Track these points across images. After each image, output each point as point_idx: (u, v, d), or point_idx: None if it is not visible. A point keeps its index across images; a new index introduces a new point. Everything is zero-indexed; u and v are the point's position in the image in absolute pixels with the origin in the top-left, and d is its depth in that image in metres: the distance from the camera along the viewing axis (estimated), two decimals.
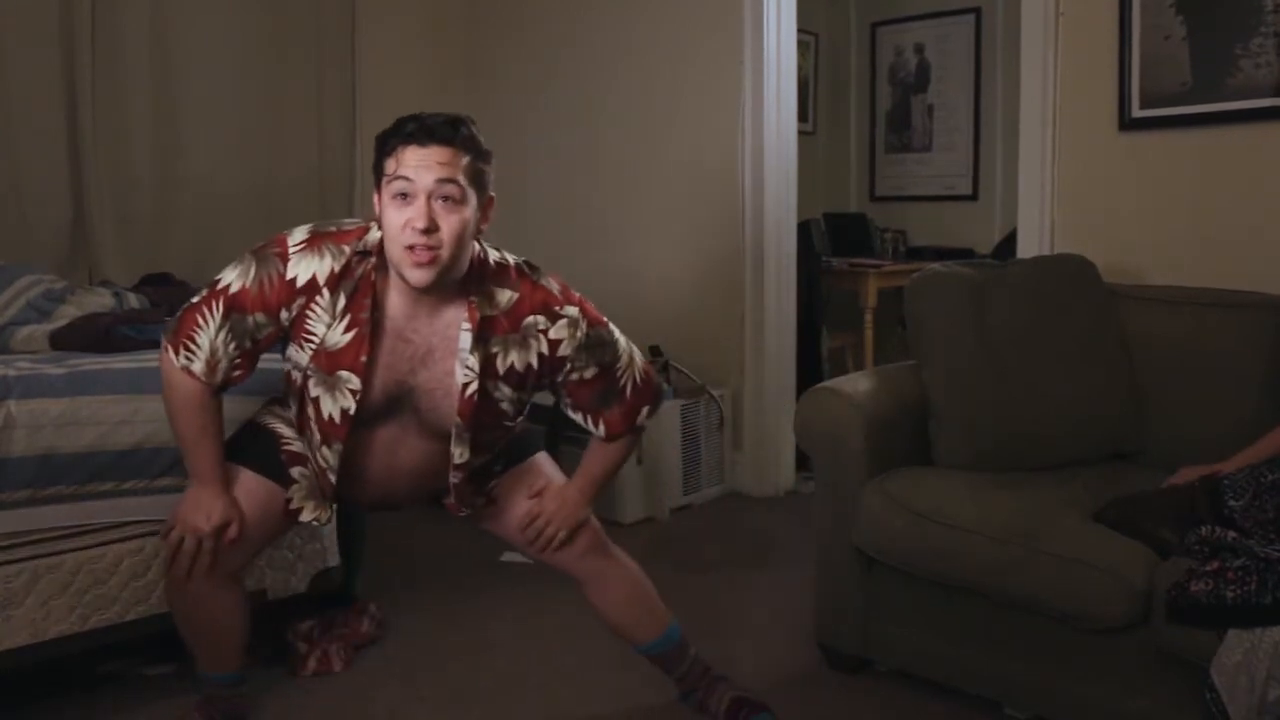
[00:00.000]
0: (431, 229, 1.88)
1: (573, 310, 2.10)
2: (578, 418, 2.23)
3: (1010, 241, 3.85)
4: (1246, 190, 2.87)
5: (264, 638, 2.59)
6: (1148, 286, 2.83)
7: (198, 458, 2.09)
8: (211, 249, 4.20)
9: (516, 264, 2.10)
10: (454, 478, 2.15)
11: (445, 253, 1.90)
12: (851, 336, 5.29)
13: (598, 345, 2.13)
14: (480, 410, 2.08)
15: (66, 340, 2.63)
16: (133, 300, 3.03)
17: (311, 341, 2.02)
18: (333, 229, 2.03)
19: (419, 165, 1.88)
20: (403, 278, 1.94)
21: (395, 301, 2.02)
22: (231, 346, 2.02)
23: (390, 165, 1.91)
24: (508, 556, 3.43)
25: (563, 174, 4.70)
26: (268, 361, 2.17)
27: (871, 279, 5.00)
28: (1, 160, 3.74)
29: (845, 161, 6.35)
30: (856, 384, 2.63)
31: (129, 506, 2.43)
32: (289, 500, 2.17)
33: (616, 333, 2.19)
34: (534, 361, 2.08)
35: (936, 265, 2.76)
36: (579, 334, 2.10)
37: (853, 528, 2.47)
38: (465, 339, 2.02)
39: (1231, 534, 1.99)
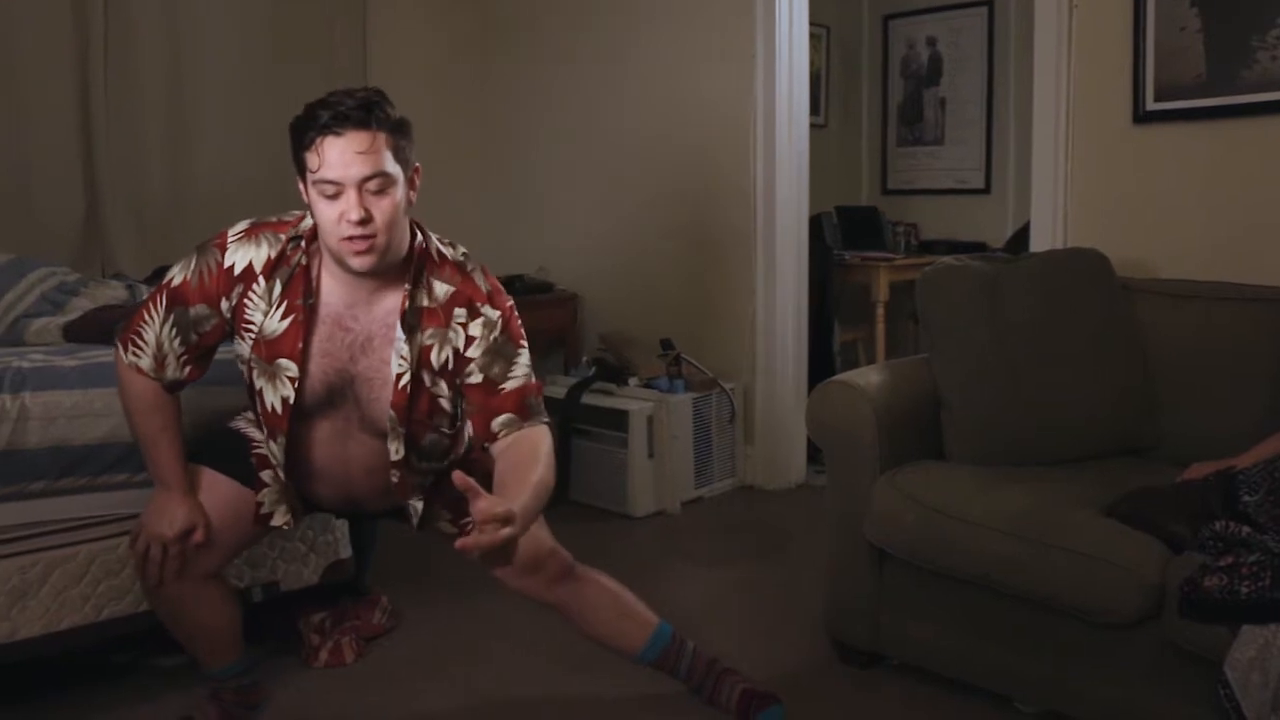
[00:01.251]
0: (366, 219, 1.87)
1: (493, 313, 2.05)
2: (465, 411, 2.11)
3: (1023, 235, 3.84)
4: (1262, 184, 2.86)
5: (276, 629, 2.60)
6: (1161, 280, 2.81)
7: (158, 460, 2.09)
8: None
9: (455, 259, 2.07)
10: (393, 476, 2.12)
11: (382, 238, 1.90)
12: (863, 330, 5.28)
13: (499, 354, 2.04)
14: (416, 405, 2.05)
15: (80, 332, 2.64)
16: (145, 293, 3.03)
17: (251, 330, 2.03)
18: (273, 219, 2.05)
19: (340, 160, 1.86)
20: (344, 266, 1.94)
21: (333, 288, 2.02)
22: (177, 341, 2.03)
23: (312, 160, 1.88)
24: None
25: (572, 166, 4.70)
26: (225, 353, 2.18)
27: (883, 273, 4.99)
28: (15, 154, 3.75)
29: (857, 155, 6.33)
30: (868, 378, 2.62)
31: (142, 498, 2.42)
32: (260, 504, 2.17)
33: (524, 359, 2.07)
34: (452, 356, 2.05)
35: (949, 259, 2.75)
36: (492, 336, 2.04)
37: (864, 521, 2.47)
38: (400, 327, 2.01)
39: (1246, 529, 1.98)
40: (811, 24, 4.31)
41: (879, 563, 2.52)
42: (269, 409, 2.07)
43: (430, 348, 2.04)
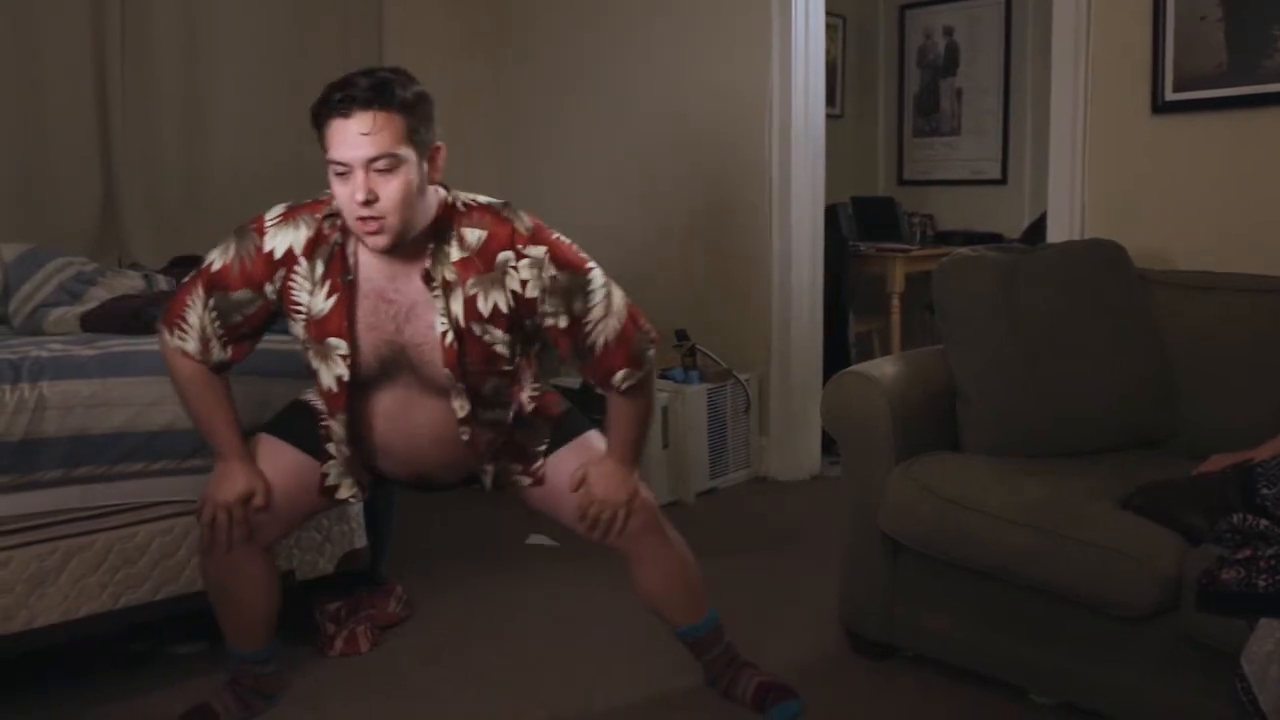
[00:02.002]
0: (371, 199, 1.88)
1: (537, 250, 2.03)
2: (567, 365, 2.18)
3: (1040, 226, 3.82)
4: None
5: (291, 618, 2.61)
6: (1179, 271, 2.80)
7: (213, 434, 2.14)
8: None
9: (486, 203, 2.07)
10: (463, 434, 2.13)
11: (392, 219, 1.91)
12: (879, 321, 5.27)
13: (566, 290, 2.04)
14: (469, 358, 2.05)
15: (97, 322, 2.65)
16: (162, 283, 3.05)
17: (300, 312, 2.05)
18: (307, 200, 2.05)
19: (346, 142, 1.87)
20: (364, 244, 1.96)
21: (370, 262, 2.03)
22: (218, 324, 2.05)
23: (324, 141, 1.90)
24: (534, 539, 3.45)
25: (586, 156, 4.69)
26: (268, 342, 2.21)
27: (899, 263, 4.97)
28: (33, 144, 3.77)
29: (873, 145, 6.31)
30: (884, 369, 2.62)
31: (159, 487, 2.45)
32: (325, 475, 2.18)
33: (597, 281, 2.07)
34: (510, 299, 2.04)
35: (965, 250, 2.75)
36: (544, 275, 2.02)
37: (879, 513, 2.47)
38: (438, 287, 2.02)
39: (1264, 522, 1.97)
40: (828, 13, 4.29)
41: (894, 554, 2.52)
42: (326, 389, 2.10)
43: (474, 297, 2.03)
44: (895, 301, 5.01)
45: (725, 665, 2.40)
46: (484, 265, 2.03)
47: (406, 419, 2.14)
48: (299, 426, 2.23)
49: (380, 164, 1.88)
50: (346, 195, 1.89)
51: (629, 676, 2.55)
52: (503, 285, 2.03)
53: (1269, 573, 1.86)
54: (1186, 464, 2.33)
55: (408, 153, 1.91)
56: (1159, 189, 3.05)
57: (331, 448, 2.19)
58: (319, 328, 2.04)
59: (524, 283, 2.03)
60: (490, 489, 2.27)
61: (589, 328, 2.07)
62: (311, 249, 2.02)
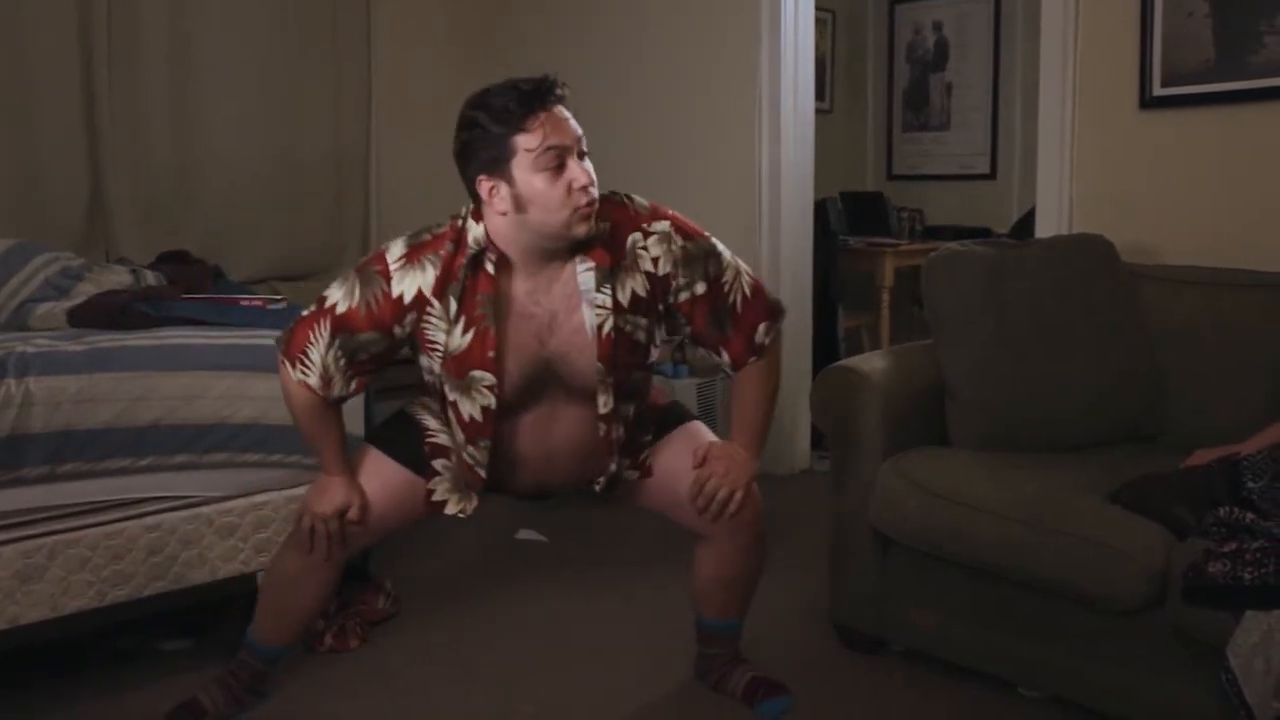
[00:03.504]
0: (592, 181, 1.94)
1: (662, 225, 2.08)
2: (706, 352, 2.20)
3: (1028, 221, 3.83)
4: (1269, 170, 2.84)
5: None
6: (1167, 266, 2.80)
7: (320, 452, 2.17)
8: (228, 228, 4.22)
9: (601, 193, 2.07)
10: (600, 430, 2.12)
11: (596, 201, 1.96)
12: (868, 316, 5.27)
13: (698, 257, 2.10)
14: (618, 349, 2.06)
15: (84, 318, 2.64)
16: (150, 278, 3.03)
17: (437, 350, 2.04)
18: (426, 236, 2.03)
19: (560, 128, 1.92)
20: (565, 239, 1.96)
21: (509, 282, 2.02)
22: (343, 363, 2.05)
23: (530, 140, 1.90)
24: (523, 534, 3.44)
25: None
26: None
27: (888, 258, 4.97)
28: (20, 138, 3.75)
29: (862, 140, 6.31)
30: (873, 363, 2.62)
31: (146, 483, 2.44)
32: (431, 492, 2.18)
33: (719, 245, 2.15)
34: (646, 282, 2.06)
35: (954, 244, 2.75)
36: (674, 247, 2.07)
37: (868, 507, 2.47)
38: (588, 279, 2.02)
39: (1250, 515, 1.98)
40: (817, 8, 4.29)
41: (883, 549, 2.52)
42: (467, 420, 2.09)
43: (614, 288, 2.04)
44: (884, 296, 5.01)
45: (723, 661, 2.42)
46: (617, 254, 2.04)
47: (548, 432, 2.14)
48: (403, 441, 2.22)
49: (583, 146, 1.96)
50: (561, 190, 1.92)
51: (618, 672, 2.55)
52: (637, 269, 2.06)
53: (1254, 566, 1.87)
54: (1173, 458, 2.33)
55: None
56: (1147, 184, 3.06)
57: (439, 464, 2.19)
58: (458, 364, 2.03)
59: (655, 260, 2.07)
60: (603, 491, 2.25)
61: (726, 287, 2.13)
62: (442, 288, 2.00)
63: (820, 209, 4.53)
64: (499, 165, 1.93)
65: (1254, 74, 2.84)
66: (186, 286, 2.99)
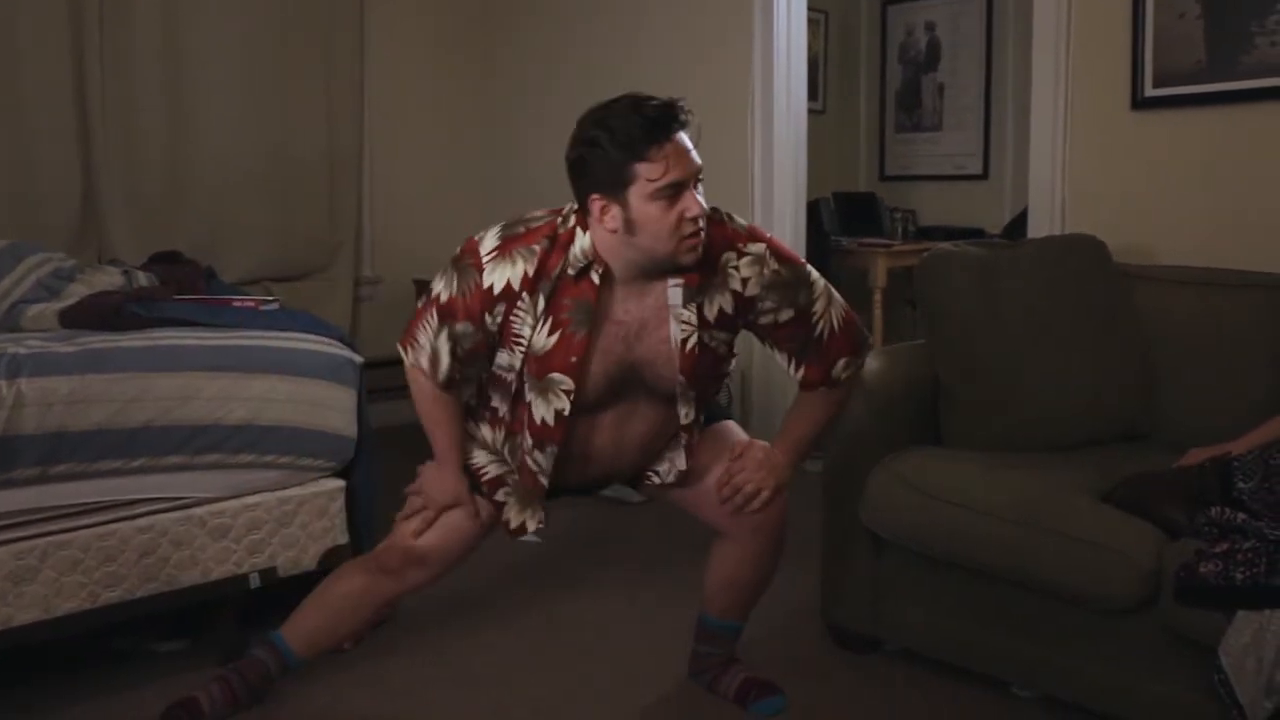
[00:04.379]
0: (704, 213, 1.92)
1: (758, 247, 2.07)
2: (781, 360, 2.20)
3: (1021, 221, 3.84)
4: (1260, 170, 2.85)
5: (274, 615, 2.60)
6: (1159, 266, 2.81)
7: (435, 441, 2.21)
8: (221, 228, 4.22)
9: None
10: (684, 439, 2.17)
11: (705, 230, 1.95)
12: (861, 316, 5.26)
13: (790, 284, 2.09)
14: (701, 363, 2.08)
15: (76, 318, 2.63)
16: (142, 279, 3.03)
17: (520, 344, 2.04)
18: (521, 229, 2.03)
19: (681, 161, 1.89)
20: (670, 266, 1.97)
21: (611, 292, 2.03)
22: (447, 349, 2.06)
23: (653, 170, 1.88)
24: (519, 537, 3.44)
25: None
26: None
27: (881, 259, 4.98)
28: (11, 139, 3.74)
29: (855, 141, 6.31)
30: (866, 363, 2.62)
31: (139, 484, 2.43)
32: (506, 522, 2.23)
33: (814, 274, 2.14)
34: (732, 300, 2.07)
35: (946, 245, 2.75)
36: (766, 271, 2.06)
37: (862, 507, 2.47)
38: (675, 295, 2.02)
39: (1242, 515, 1.98)
40: (810, 9, 4.30)
41: (876, 549, 2.52)
42: (538, 422, 2.09)
43: (703, 304, 2.05)
44: (877, 296, 5.01)
45: (717, 661, 2.43)
46: (709, 270, 2.04)
47: (622, 430, 2.15)
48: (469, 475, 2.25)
49: (700, 176, 1.93)
50: (673, 219, 1.90)
51: (612, 673, 2.55)
52: (725, 288, 2.06)
53: (1246, 566, 1.88)
54: (1167, 458, 2.34)
55: None
56: (1139, 184, 3.07)
57: (501, 495, 2.22)
58: (540, 364, 2.04)
59: (745, 280, 2.06)
60: (661, 484, 2.27)
61: (815, 319, 2.12)
62: (533, 284, 1.99)
63: (813, 209, 4.54)
64: (616, 189, 1.91)
65: (1245, 75, 2.85)
66: (179, 287, 2.98)
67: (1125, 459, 2.44)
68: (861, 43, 6.27)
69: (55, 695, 2.42)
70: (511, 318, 2.02)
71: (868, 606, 2.55)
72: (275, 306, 2.86)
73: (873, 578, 2.54)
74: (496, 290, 1.99)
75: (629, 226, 1.93)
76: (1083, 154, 3.17)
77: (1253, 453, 2.12)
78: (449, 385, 2.14)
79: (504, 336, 2.05)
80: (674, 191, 1.89)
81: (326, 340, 2.69)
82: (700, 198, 1.94)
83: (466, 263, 2.02)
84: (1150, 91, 3.01)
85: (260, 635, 2.39)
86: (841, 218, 5.41)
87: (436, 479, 2.23)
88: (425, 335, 2.08)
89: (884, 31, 6.18)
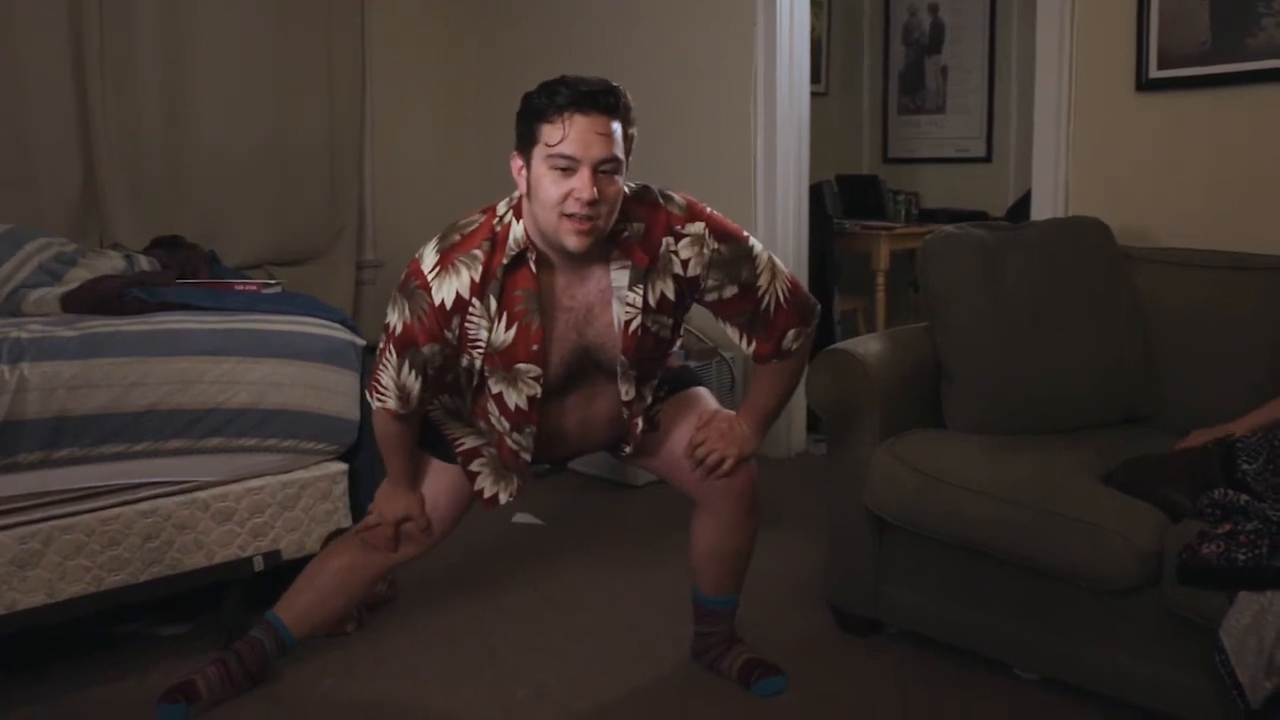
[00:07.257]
0: (596, 200, 1.90)
1: (696, 226, 2.07)
2: (732, 335, 2.21)
3: (1024, 204, 3.82)
4: (1265, 152, 2.84)
5: (276, 598, 2.61)
6: (1163, 249, 2.80)
7: (389, 463, 2.28)
8: (222, 212, 4.21)
9: (633, 193, 2.07)
10: (625, 413, 2.19)
11: (603, 221, 1.94)
12: (863, 299, 5.27)
13: (731, 262, 2.09)
14: (642, 345, 2.09)
15: (78, 303, 2.63)
16: (144, 263, 3.03)
17: (479, 346, 2.05)
18: (456, 237, 2.03)
19: (582, 139, 1.88)
20: (556, 243, 1.96)
21: (547, 278, 2.04)
22: (413, 376, 2.07)
23: (552, 134, 1.89)
24: (520, 518, 3.45)
25: None
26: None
27: (884, 241, 4.97)
28: (12, 124, 3.73)
29: (858, 123, 6.29)
30: (868, 346, 2.62)
31: (142, 468, 2.44)
32: (480, 491, 2.27)
33: (756, 247, 2.13)
34: (674, 285, 2.08)
35: (950, 227, 2.74)
36: (705, 251, 2.07)
37: (864, 490, 2.47)
38: (621, 277, 2.04)
39: (1244, 497, 1.99)
40: None
41: (879, 531, 2.53)
42: (513, 409, 2.12)
43: (645, 291, 2.06)
44: (880, 279, 5.01)
45: (719, 641, 2.43)
46: (650, 257, 2.05)
47: (587, 409, 2.19)
48: (443, 446, 2.29)
49: (607, 166, 1.91)
50: (560, 192, 1.90)
51: (614, 655, 2.56)
52: (668, 272, 2.07)
53: (1248, 547, 1.88)
54: (1169, 440, 2.34)
55: (623, 159, 1.95)
56: (1143, 167, 3.05)
57: (475, 465, 2.26)
58: (504, 358, 2.05)
59: (685, 262, 2.07)
60: (629, 455, 2.32)
61: (760, 292, 2.12)
62: (481, 289, 2.00)
63: (816, 192, 4.53)
64: (524, 146, 1.95)
65: (1251, 56, 2.83)
66: (181, 271, 2.98)
67: (1127, 441, 2.44)
68: (865, 24, 6.24)
69: (59, 679, 2.43)
70: (467, 324, 2.03)
71: (869, 589, 2.56)
72: (278, 290, 2.87)
73: (875, 560, 2.54)
74: (449, 304, 2.00)
75: (530, 191, 1.95)
76: (1086, 136, 3.16)
77: (1256, 434, 2.12)
78: (419, 404, 2.16)
79: (462, 344, 2.06)
80: (567, 165, 1.89)
81: (329, 324, 2.69)
82: (610, 189, 1.92)
83: (413, 285, 2.02)
84: (1155, 73, 3.00)
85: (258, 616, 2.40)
86: (844, 200, 5.40)
87: (390, 497, 2.29)
88: (388, 376, 2.08)
89: (887, 13, 6.15)
